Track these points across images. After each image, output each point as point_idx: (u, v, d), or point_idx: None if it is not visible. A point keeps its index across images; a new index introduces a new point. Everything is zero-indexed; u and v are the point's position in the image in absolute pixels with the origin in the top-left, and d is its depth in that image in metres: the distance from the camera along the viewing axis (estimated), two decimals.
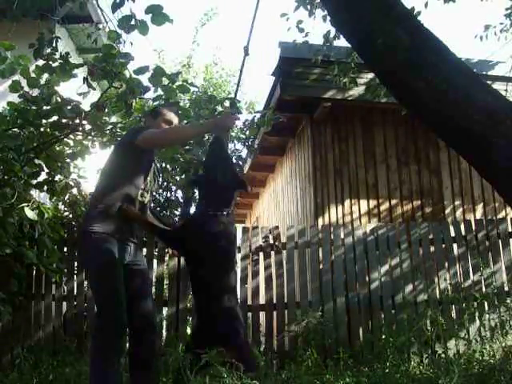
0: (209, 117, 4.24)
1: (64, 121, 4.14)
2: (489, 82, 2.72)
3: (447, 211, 5.98)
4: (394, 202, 5.93)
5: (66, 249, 4.58)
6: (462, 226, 4.89)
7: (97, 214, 2.77)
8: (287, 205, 7.21)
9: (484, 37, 6.09)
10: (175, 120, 3.15)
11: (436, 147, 6.16)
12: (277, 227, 4.85)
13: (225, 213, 2.79)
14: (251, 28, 3.09)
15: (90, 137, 4.43)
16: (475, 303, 4.43)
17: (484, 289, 4.59)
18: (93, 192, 3.07)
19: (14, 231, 3.87)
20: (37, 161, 4.27)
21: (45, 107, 4.04)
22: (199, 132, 3.15)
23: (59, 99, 4.06)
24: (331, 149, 6.02)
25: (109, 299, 2.68)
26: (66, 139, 4.40)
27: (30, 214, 3.71)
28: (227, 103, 4.44)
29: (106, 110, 4.27)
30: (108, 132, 4.39)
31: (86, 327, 4.39)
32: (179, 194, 7.62)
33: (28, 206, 3.75)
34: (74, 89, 4.29)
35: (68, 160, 4.48)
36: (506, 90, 5.66)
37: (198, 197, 3.07)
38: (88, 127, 4.33)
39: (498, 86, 5.47)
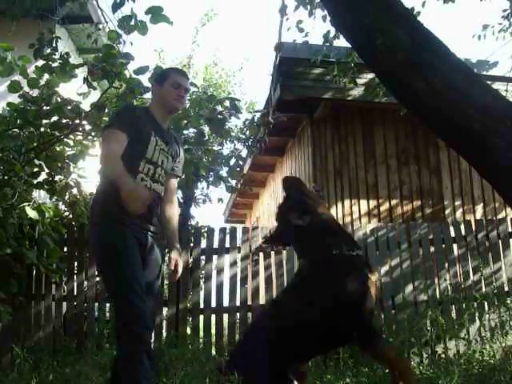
0: (209, 116, 4.25)
1: (64, 121, 4.15)
2: (489, 82, 2.71)
3: (447, 211, 5.98)
4: (394, 202, 5.93)
5: (66, 249, 4.58)
6: (462, 227, 4.89)
7: (99, 205, 2.62)
8: None
9: (482, 36, 6.08)
10: (184, 83, 2.76)
11: (436, 147, 6.15)
12: None
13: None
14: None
15: (90, 137, 4.43)
16: (475, 303, 4.43)
17: (484, 289, 4.59)
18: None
19: (14, 231, 3.87)
20: (37, 161, 4.27)
21: (45, 107, 4.05)
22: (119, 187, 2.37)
23: (59, 99, 4.06)
24: (331, 149, 6.01)
25: (122, 287, 2.43)
26: (66, 139, 4.40)
27: (32, 213, 3.71)
28: (227, 103, 4.44)
29: (106, 110, 4.27)
30: None
31: (86, 327, 4.39)
32: (179, 194, 7.62)
33: (29, 205, 3.75)
34: (74, 89, 4.30)
35: (68, 161, 4.48)
36: (506, 90, 5.66)
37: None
38: (88, 127, 4.33)
39: (497, 86, 5.46)
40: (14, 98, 4.18)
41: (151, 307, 2.65)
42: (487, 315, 4.35)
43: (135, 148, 2.58)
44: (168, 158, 2.73)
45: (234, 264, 4.68)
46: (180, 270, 2.80)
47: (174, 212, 2.91)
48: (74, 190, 4.74)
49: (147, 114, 2.75)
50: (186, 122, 4.39)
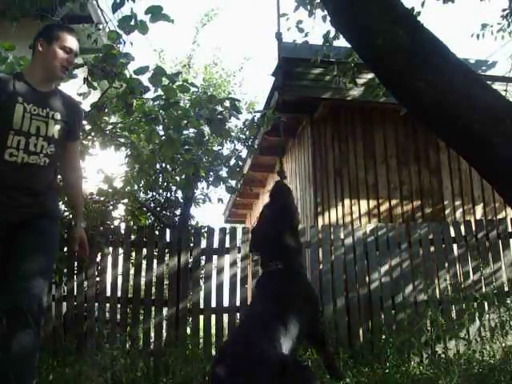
0: (209, 117, 4.24)
1: None
2: (489, 82, 2.71)
3: (447, 211, 5.98)
4: (394, 202, 5.93)
5: (66, 248, 4.58)
6: (462, 227, 4.89)
7: None
8: None
9: (481, 35, 6.09)
10: (75, 46, 2.54)
11: (436, 147, 6.16)
12: None
13: None
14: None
15: (89, 137, 4.43)
16: (475, 303, 4.43)
17: (484, 289, 4.59)
18: None
19: None
20: None
21: None
22: None
23: None
24: (331, 149, 6.02)
25: None
26: None
27: None
28: (227, 103, 4.44)
29: (106, 110, 4.27)
30: (108, 132, 4.39)
31: (86, 327, 4.39)
32: (179, 194, 7.63)
33: None
34: (74, 89, 4.29)
35: None
36: (506, 90, 5.66)
37: None
38: (88, 127, 4.33)
39: (498, 86, 5.47)
40: None
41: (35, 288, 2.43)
42: (487, 315, 4.35)
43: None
44: (48, 123, 2.46)
45: (233, 264, 4.68)
46: (86, 246, 2.74)
47: (76, 179, 2.75)
48: None
49: (17, 80, 2.49)
50: (186, 122, 4.39)
